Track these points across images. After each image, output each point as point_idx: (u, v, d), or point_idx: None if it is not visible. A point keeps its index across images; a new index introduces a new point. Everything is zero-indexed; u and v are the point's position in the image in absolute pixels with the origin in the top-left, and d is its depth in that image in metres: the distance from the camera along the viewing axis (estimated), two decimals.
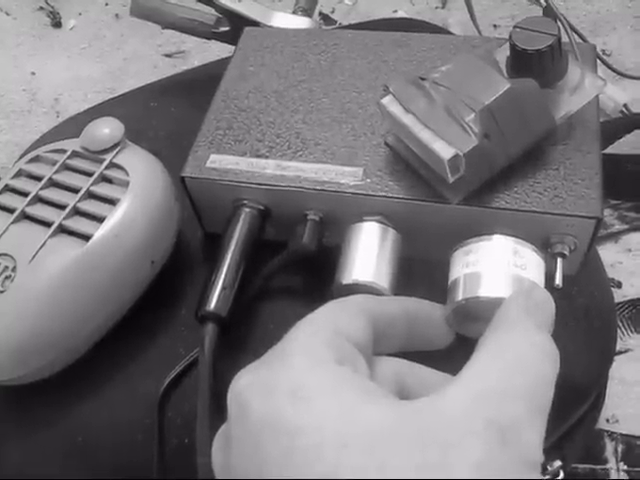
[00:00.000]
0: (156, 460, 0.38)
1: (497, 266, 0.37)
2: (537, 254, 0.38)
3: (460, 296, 0.37)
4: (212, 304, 0.38)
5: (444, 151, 0.35)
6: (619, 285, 0.60)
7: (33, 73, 0.75)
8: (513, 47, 0.38)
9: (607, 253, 0.61)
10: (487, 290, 0.36)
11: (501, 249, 0.38)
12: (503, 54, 0.40)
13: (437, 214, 0.39)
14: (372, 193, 0.39)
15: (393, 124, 0.38)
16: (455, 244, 0.39)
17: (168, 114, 0.54)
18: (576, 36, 0.49)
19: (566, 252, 0.39)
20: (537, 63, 0.38)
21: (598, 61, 0.68)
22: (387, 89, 0.38)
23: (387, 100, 0.38)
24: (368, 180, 0.39)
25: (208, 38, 0.53)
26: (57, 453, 0.39)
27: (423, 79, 0.37)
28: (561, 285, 0.38)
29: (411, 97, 0.37)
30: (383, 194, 0.39)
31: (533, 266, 0.38)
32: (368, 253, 0.38)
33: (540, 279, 0.38)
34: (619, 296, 0.60)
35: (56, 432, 0.39)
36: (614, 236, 0.62)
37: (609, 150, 0.64)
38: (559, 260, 0.39)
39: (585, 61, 0.43)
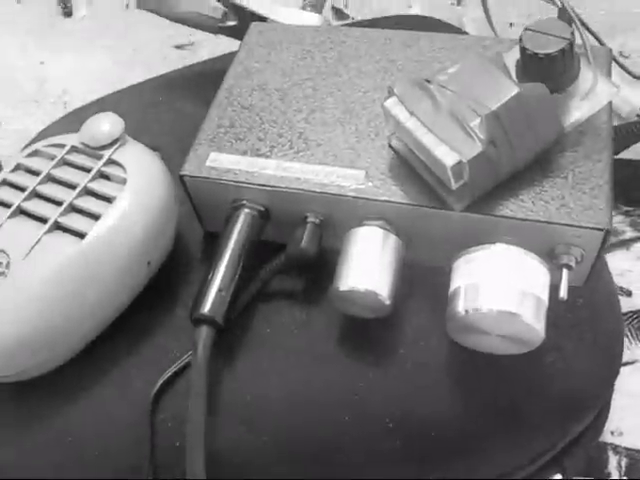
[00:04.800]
0: (147, 462, 0.37)
1: (499, 277, 0.36)
2: (542, 265, 0.37)
3: (460, 307, 0.36)
4: (207, 307, 0.37)
5: (447, 157, 0.34)
6: (629, 294, 0.59)
7: (42, 62, 0.74)
8: (523, 50, 0.37)
9: (617, 261, 0.60)
10: (488, 302, 0.35)
11: (504, 259, 0.37)
12: (513, 57, 0.39)
13: (440, 221, 0.38)
14: (373, 197, 0.38)
15: (396, 127, 0.37)
16: (458, 252, 0.38)
17: (173, 109, 0.53)
18: (592, 38, 0.47)
19: (572, 263, 0.38)
20: (547, 67, 0.37)
21: (615, 64, 0.67)
22: (391, 91, 0.37)
23: (391, 102, 0.37)
24: (370, 184, 0.38)
25: (215, 33, 0.52)
26: (47, 452, 0.38)
27: (429, 81, 0.36)
28: (566, 297, 0.36)
29: (415, 100, 0.36)
30: (385, 198, 0.38)
31: (537, 277, 0.37)
32: (367, 259, 0.37)
33: (544, 291, 0.37)
34: (628, 305, 0.58)
35: (46, 431, 0.39)
36: (625, 243, 0.61)
37: (623, 155, 0.62)
38: (565, 271, 0.38)
39: (599, 65, 0.42)
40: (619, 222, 0.62)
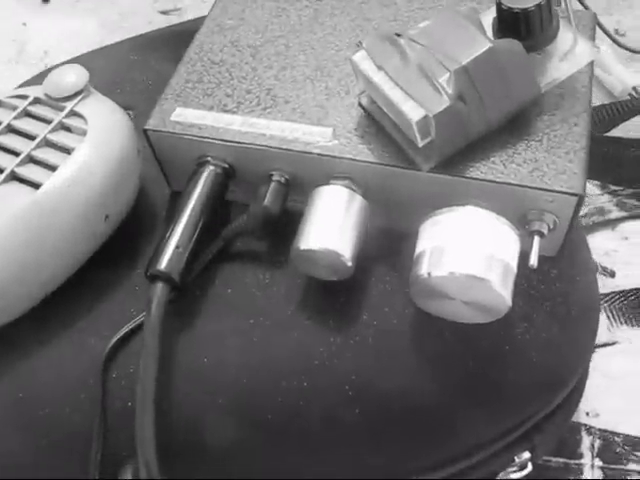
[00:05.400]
0: (97, 421, 0.36)
1: (466, 241, 0.35)
2: (512, 230, 0.36)
3: (423, 270, 0.34)
4: (163, 263, 0.36)
5: (413, 112, 0.33)
6: (612, 274, 0.57)
7: (24, 24, 0.73)
8: (499, 6, 0.35)
9: (602, 240, 0.58)
10: (453, 266, 0.34)
11: (472, 222, 0.35)
12: (490, 16, 0.38)
13: (407, 181, 0.36)
14: (339, 155, 0.37)
15: (365, 83, 0.36)
16: (426, 214, 0.36)
17: (148, 68, 0.52)
18: (579, 5, 0.46)
19: (544, 230, 0.36)
20: (523, 24, 0.35)
21: (610, 41, 0.65)
22: (361, 45, 0.36)
23: (359, 56, 0.35)
24: (337, 141, 0.37)
25: None
26: None
27: (399, 35, 0.35)
28: (536, 265, 0.35)
29: (384, 54, 0.35)
30: (351, 156, 0.36)
31: (506, 243, 0.35)
32: (330, 218, 0.36)
33: (513, 257, 0.35)
34: (612, 286, 0.57)
35: None
36: (611, 223, 0.59)
37: (613, 133, 0.61)
38: (536, 238, 0.36)
39: (582, 29, 0.41)
40: (606, 201, 0.60)
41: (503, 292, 0.33)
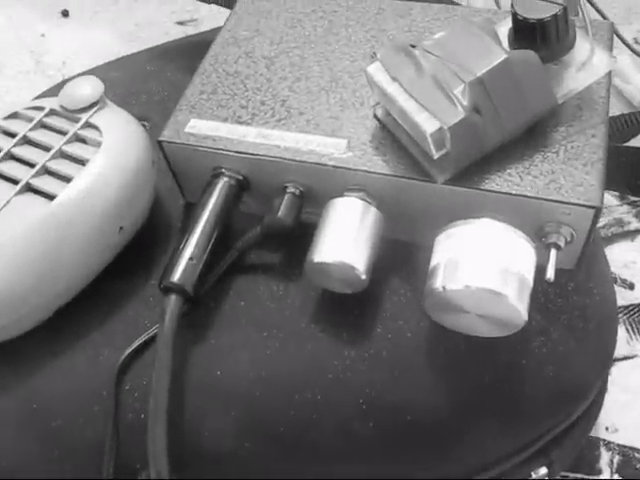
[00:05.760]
0: (110, 433, 0.36)
1: (481, 254, 0.34)
2: (528, 243, 0.35)
3: (438, 283, 0.34)
4: (177, 275, 0.36)
5: (428, 124, 0.33)
6: (631, 287, 0.56)
7: (43, 35, 0.74)
8: (514, 16, 0.35)
9: (621, 252, 0.57)
10: (468, 280, 0.33)
11: (488, 235, 0.35)
12: (506, 27, 0.37)
13: (422, 194, 0.36)
14: (354, 167, 0.36)
15: (380, 94, 0.36)
16: (441, 227, 0.36)
17: (164, 79, 0.52)
18: (597, 15, 0.45)
19: (561, 243, 0.36)
20: (539, 34, 0.35)
21: (630, 51, 0.64)
22: (375, 56, 0.35)
23: (373, 68, 0.35)
24: (351, 153, 0.37)
25: (209, 2, 0.51)
26: (9, 419, 0.37)
27: (414, 46, 0.35)
28: (552, 279, 0.35)
29: (399, 65, 0.35)
30: (365, 168, 0.36)
31: (523, 256, 0.35)
32: (345, 231, 0.36)
33: (529, 270, 0.35)
34: (631, 298, 0.56)
35: (11, 397, 0.38)
36: (630, 234, 0.58)
37: (632, 143, 0.60)
38: (552, 251, 0.36)
39: (599, 38, 0.40)
40: (625, 212, 0.59)
41: (519, 306, 0.33)
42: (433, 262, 0.35)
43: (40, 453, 0.37)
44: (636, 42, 0.69)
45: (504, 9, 0.47)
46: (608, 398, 0.46)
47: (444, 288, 0.33)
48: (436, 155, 0.34)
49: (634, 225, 0.59)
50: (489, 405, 0.38)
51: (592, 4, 0.42)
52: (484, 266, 0.33)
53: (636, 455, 0.49)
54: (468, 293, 0.33)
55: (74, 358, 0.38)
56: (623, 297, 0.56)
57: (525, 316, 0.33)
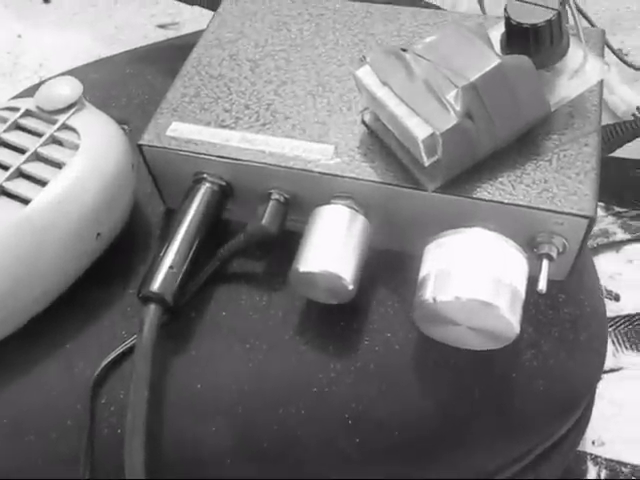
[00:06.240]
0: (84, 449, 0.35)
1: (472, 264, 0.33)
2: (520, 253, 0.34)
3: (428, 294, 0.33)
4: (156, 284, 0.35)
5: (419, 129, 0.32)
6: (617, 298, 0.56)
7: (19, 36, 0.72)
8: (507, 21, 0.34)
9: (607, 263, 0.57)
10: (459, 291, 0.32)
11: (479, 245, 0.34)
12: (498, 32, 0.37)
13: (411, 202, 0.35)
14: (341, 174, 0.35)
15: (369, 99, 0.35)
16: (430, 236, 0.35)
17: (144, 82, 0.51)
18: (586, 23, 0.45)
19: (553, 254, 0.35)
20: (533, 40, 0.34)
21: (615, 58, 0.64)
22: (364, 60, 0.34)
23: (363, 71, 0.34)
24: (338, 159, 0.36)
25: (190, 4, 0.50)
26: None
27: (404, 50, 0.34)
28: (545, 290, 0.34)
29: (389, 69, 0.34)
30: (353, 175, 0.35)
31: (514, 267, 0.34)
32: (331, 239, 0.35)
33: (521, 281, 0.34)
34: (616, 310, 0.55)
35: None
36: (615, 245, 0.58)
37: (617, 154, 0.60)
38: (545, 262, 0.35)
39: (591, 46, 0.40)
40: (610, 223, 0.59)
41: (511, 318, 0.32)
42: (423, 272, 0.34)
43: (11, 470, 0.35)
44: (620, 52, 0.69)
45: (489, 14, 0.46)
46: (594, 411, 0.45)
47: (434, 299, 0.32)
48: (427, 162, 0.33)
49: (619, 236, 0.58)
50: (478, 420, 0.37)
51: (581, 12, 0.41)
52: (475, 277, 0.32)
53: (623, 469, 0.49)
54: (459, 305, 0.32)
55: (48, 369, 0.37)
56: (609, 309, 0.55)
57: (517, 328, 0.32)
